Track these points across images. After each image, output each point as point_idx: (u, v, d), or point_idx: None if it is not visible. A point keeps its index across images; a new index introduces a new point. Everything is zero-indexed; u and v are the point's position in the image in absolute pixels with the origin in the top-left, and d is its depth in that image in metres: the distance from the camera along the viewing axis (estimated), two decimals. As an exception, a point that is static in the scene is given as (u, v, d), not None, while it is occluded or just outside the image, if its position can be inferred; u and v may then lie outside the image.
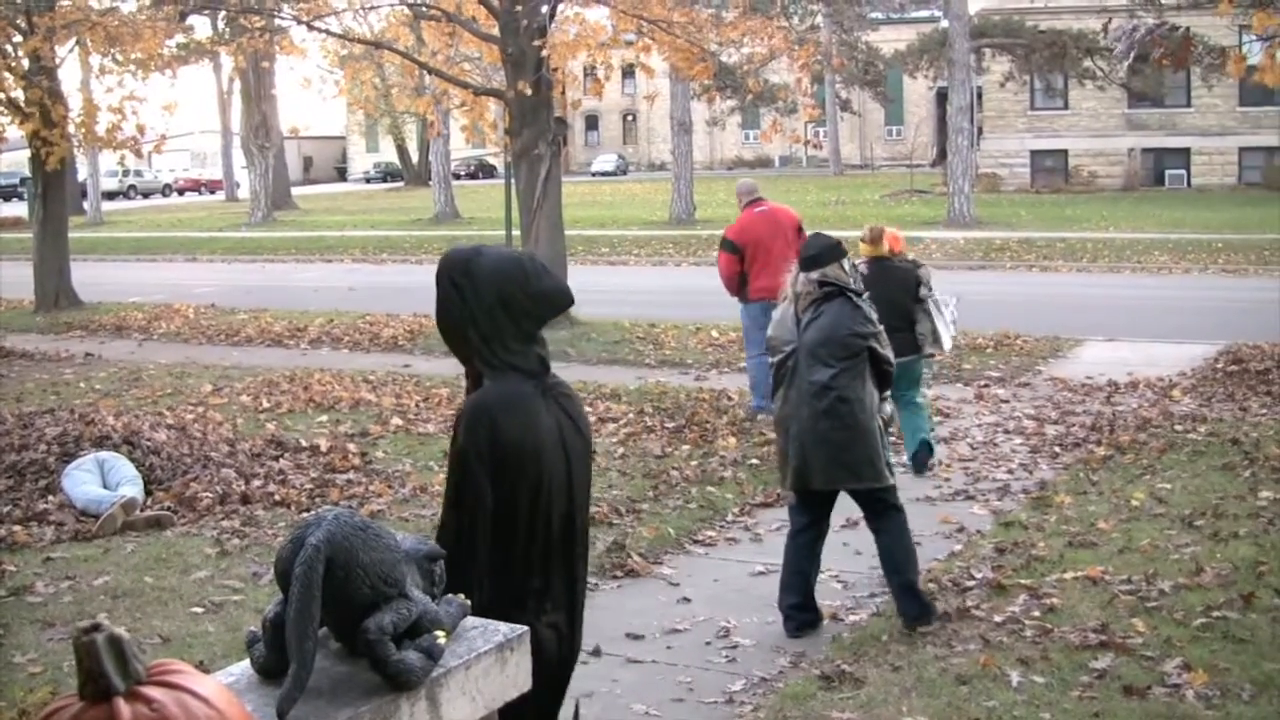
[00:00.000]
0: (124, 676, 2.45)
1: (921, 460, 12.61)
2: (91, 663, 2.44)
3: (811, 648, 8.31)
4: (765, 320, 11.13)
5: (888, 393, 8.81)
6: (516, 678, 4.62)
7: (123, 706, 2.39)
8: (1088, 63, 53.55)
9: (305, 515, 11.08)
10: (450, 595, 4.65)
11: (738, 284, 15.28)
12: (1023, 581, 9.23)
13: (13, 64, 25.31)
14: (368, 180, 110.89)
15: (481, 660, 4.50)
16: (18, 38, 25.71)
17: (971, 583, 9.23)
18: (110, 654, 2.44)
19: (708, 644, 8.43)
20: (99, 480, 11.49)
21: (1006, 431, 14.19)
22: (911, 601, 8.50)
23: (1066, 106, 63.28)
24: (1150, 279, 30.25)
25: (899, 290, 12.24)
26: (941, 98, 70.96)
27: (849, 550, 10.22)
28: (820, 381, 8.33)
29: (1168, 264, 32.01)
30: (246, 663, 4.53)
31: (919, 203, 55.25)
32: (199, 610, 9.01)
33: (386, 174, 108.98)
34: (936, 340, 12.58)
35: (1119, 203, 51.44)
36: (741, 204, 15.62)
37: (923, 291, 12.46)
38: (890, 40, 74.64)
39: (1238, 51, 24.29)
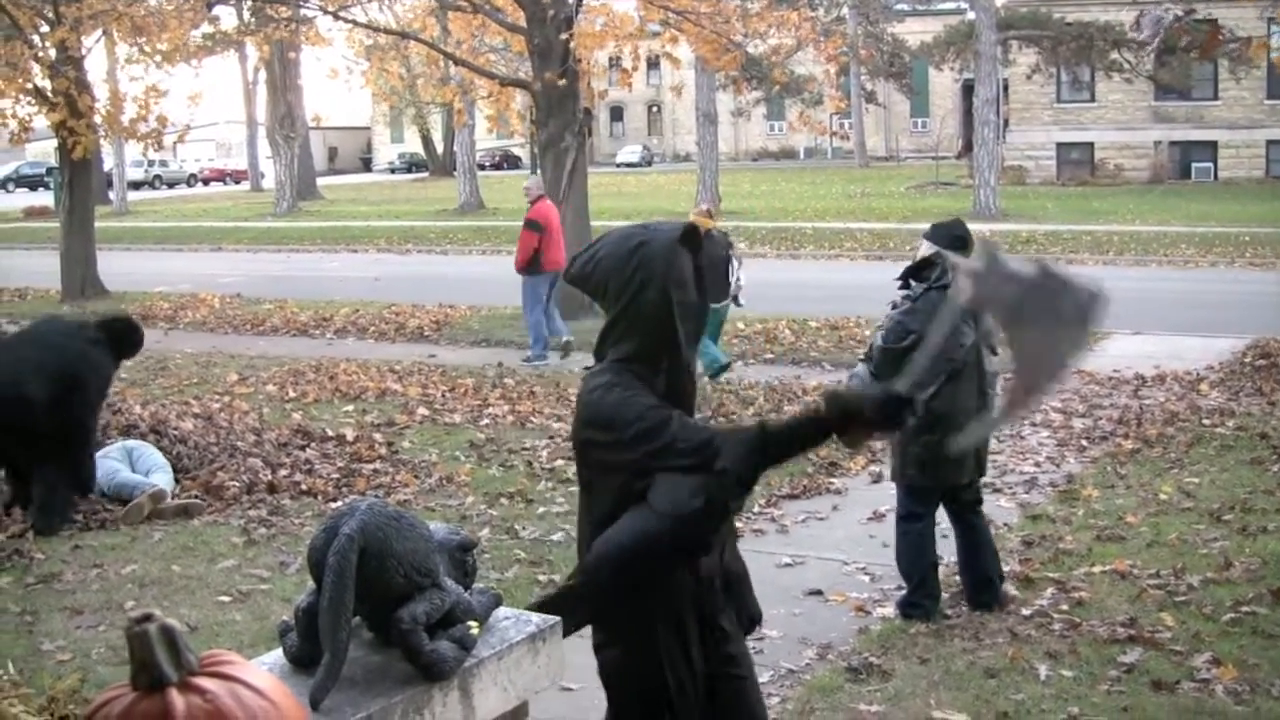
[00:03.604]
0: (177, 667, 2.44)
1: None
2: (144, 653, 2.43)
3: (839, 640, 8.29)
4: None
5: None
6: (549, 668, 4.63)
7: (176, 697, 2.38)
8: (1115, 55, 53.33)
9: (333, 505, 11.10)
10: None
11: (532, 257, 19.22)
12: (1050, 575, 9.22)
13: (40, 54, 25.37)
14: (392, 171, 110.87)
15: (514, 650, 4.50)
16: (45, 28, 25.79)
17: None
18: (163, 644, 2.43)
19: (734, 634, 8.42)
20: (128, 467, 11.52)
21: (1033, 424, 14.14)
22: (989, 591, 8.54)
23: (1093, 99, 63.04)
24: (1177, 272, 30.15)
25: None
26: (967, 90, 70.76)
27: (875, 543, 10.21)
28: (994, 372, 8.37)
29: (1194, 257, 31.90)
30: (279, 652, 4.54)
31: (944, 195, 55.11)
32: (226, 599, 9.02)
33: (411, 164, 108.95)
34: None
35: (1145, 196, 51.24)
36: (532, 198, 19.91)
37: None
38: (916, 32, 74.44)
39: (1260, 39, 24.16)
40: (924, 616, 8.48)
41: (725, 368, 17.01)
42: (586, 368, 4.58)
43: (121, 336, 11.22)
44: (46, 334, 11.50)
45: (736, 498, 4.48)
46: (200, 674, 2.45)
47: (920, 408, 4.52)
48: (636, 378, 4.43)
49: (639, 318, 4.44)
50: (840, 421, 4.26)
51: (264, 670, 2.48)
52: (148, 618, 2.43)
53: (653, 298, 4.41)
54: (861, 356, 9.07)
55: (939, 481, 8.52)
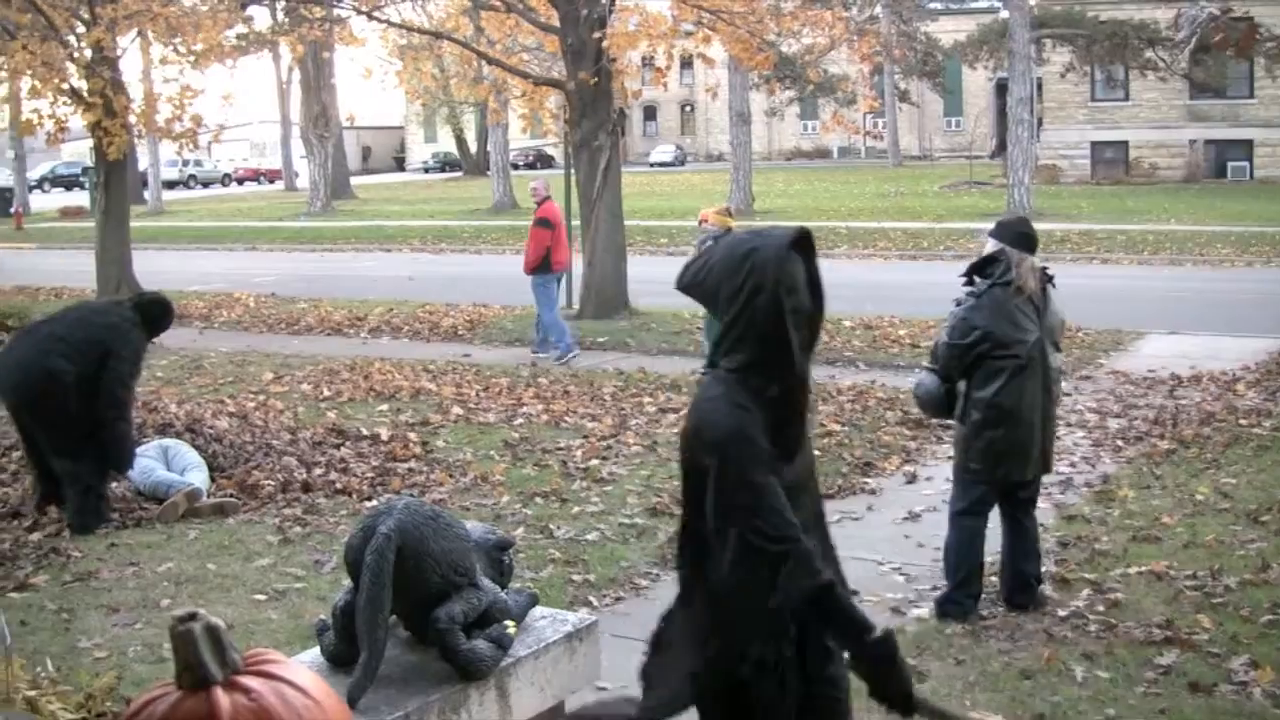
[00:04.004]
0: (221, 665, 2.44)
1: None
2: (188, 652, 2.43)
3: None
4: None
5: None
6: (585, 668, 4.63)
7: (221, 696, 2.38)
8: (1149, 53, 53.11)
9: (368, 504, 11.12)
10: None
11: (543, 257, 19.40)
12: (1086, 576, 9.19)
13: (76, 55, 25.45)
14: (426, 170, 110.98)
15: (550, 650, 4.51)
16: (81, 28, 25.86)
17: (1034, 576, 9.17)
18: (207, 643, 2.43)
19: (768, 635, 8.39)
20: (163, 466, 11.56)
21: (1068, 425, 14.07)
22: (1029, 592, 8.52)
23: (1127, 98, 62.75)
24: (1212, 272, 29.99)
25: None
26: (1001, 89, 70.56)
27: (910, 543, 10.19)
28: (1059, 368, 8.38)
29: (1230, 256, 31.70)
30: (315, 650, 4.55)
31: (978, 194, 54.95)
32: (261, 597, 9.05)
33: (445, 164, 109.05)
34: None
35: (1180, 195, 50.99)
36: (539, 197, 20.06)
37: None
38: (949, 31, 74.27)
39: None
40: (962, 616, 8.46)
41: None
42: (702, 372, 4.50)
43: (153, 313, 11.30)
44: (76, 312, 11.62)
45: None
46: (245, 673, 2.45)
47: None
48: (750, 390, 4.32)
49: (751, 325, 4.33)
50: (871, 666, 4.26)
51: (307, 669, 2.47)
52: (192, 616, 2.44)
53: (765, 304, 4.30)
54: (927, 364, 9.05)
55: (1003, 477, 8.50)
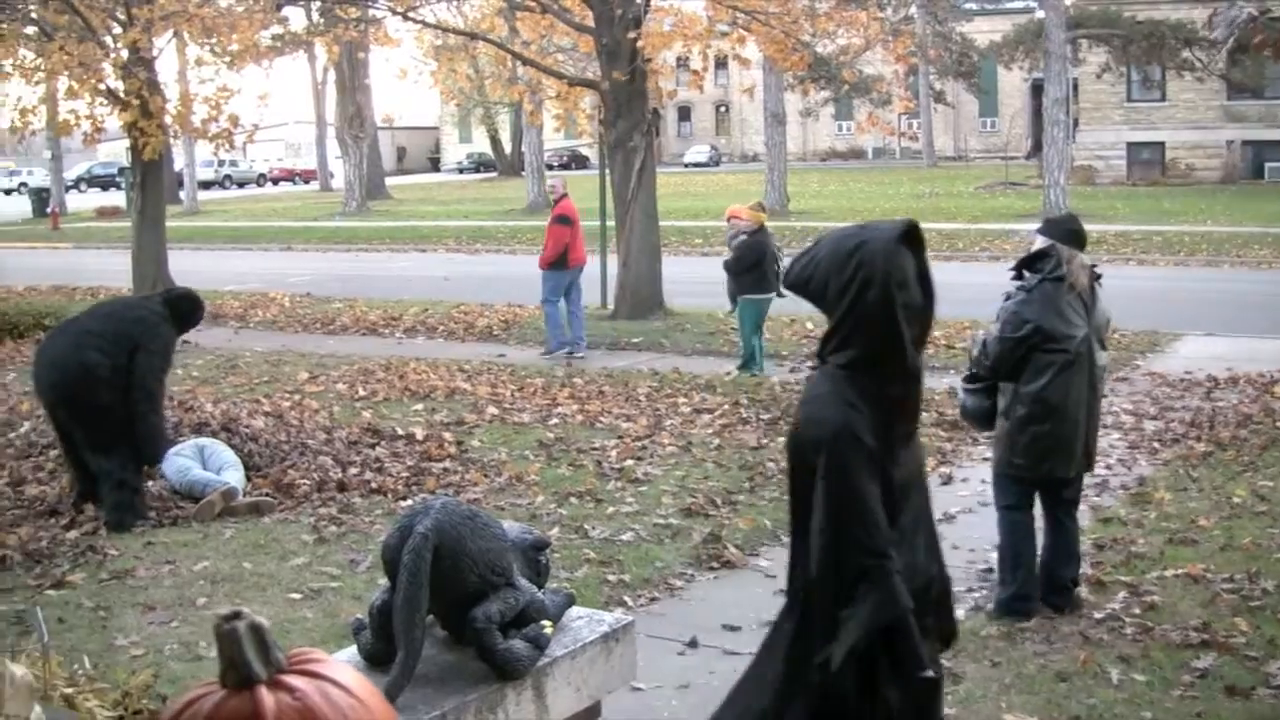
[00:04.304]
0: (266, 664, 2.44)
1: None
2: (233, 651, 2.44)
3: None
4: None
5: None
6: (621, 668, 4.63)
7: (265, 695, 2.38)
8: (1186, 54, 52.92)
9: (403, 503, 11.14)
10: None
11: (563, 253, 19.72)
12: (1122, 578, 9.15)
13: (112, 55, 25.54)
14: (460, 170, 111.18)
15: (587, 650, 4.51)
16: (117, 29, 25.96)
17: (1071, 578, 9.14)
18: (252, 642, 2.44)
19: (804, 637, 8.37)
20: (199, 465, 11.60)
21: (1104, 426, 13.98)
22: (1065, 594, 8.51)
23: (1164, 98, 62.55)
24: (1250, 273, 29.87)
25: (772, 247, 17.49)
26: (1036, 89, 70.42)
27: (946, 544, 10.08)
28: (1104, 366, 8.38)
29: (1268, 258, 31.56)
30: (352, 649, 4.56)
31: (1013, 195, 54.82)
32: (297, 596, 9.07)
33: (479, 164, 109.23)
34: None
35: (1217, 196, 50.78)
36: (557, 195, 20.58)
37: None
38: (985, 31, 74.18)
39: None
40: (1028, 615, 8.45)
41: (752, 364, 17.54)
42: (811, 367, 4.45)
43: (182, 308, 11.40)
44: (107, 307, 11.71)
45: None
46: (289, 672, 2.45)
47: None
48: (859, 388, 4.28)
49: (861, 321, 4.28)
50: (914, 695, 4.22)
51: (351, 668, 2.48)
52: (237, 615, 2.44)
53: (875, 299, 4.25)
54: (963, 383, 9.01)
55: (1046, 473, 8.48)
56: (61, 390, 10.83)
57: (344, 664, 2.59)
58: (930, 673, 4.17)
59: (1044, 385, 8.24)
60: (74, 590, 9.26)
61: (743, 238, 17.19)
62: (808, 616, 4.34)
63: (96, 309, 11.83)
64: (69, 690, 5.99)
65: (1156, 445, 13.30)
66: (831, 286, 4.34)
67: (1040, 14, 53.17)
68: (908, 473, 4.34)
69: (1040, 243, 8.54)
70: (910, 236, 4.35)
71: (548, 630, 4.46)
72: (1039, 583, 8.64)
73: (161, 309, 11.21)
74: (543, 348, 20.13)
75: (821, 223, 42.99)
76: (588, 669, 4.58)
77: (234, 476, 11.52)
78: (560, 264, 19.72)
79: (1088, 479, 11.75)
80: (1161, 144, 62.54)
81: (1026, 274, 8.46)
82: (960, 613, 8.69)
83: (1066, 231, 8.57)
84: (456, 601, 4.31)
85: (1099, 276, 8.58)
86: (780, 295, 17.08)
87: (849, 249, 4.32)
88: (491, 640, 4.27)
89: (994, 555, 9.01)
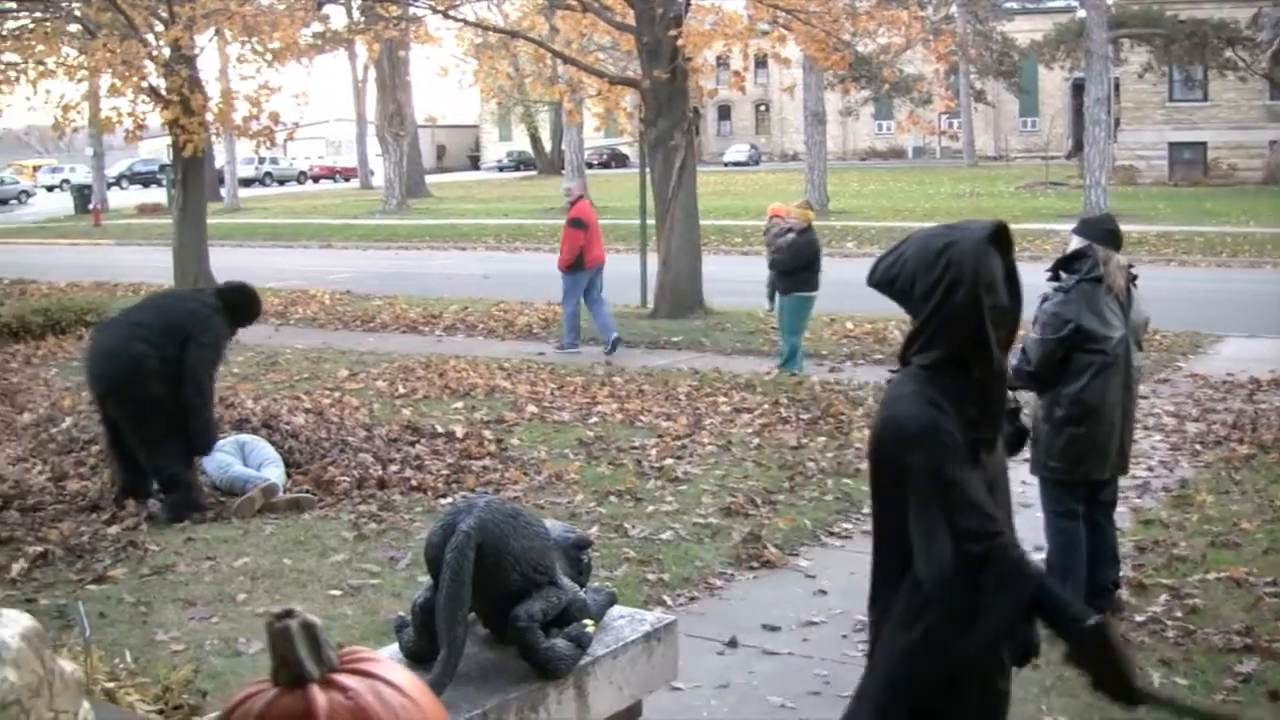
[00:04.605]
0: (318, 663, 2.44)
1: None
2: (285, 649, 2.44)
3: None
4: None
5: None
6: (663, 667, 4.63)
7: (318, 694, 2.38)
8: (1229, 53, 52.68)
9: (443, 501, 11.16)
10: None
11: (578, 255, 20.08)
12: (1164, 581, 9.10)
13: (154, 53, 25.66)
14: (500, 169, 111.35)
15: (629, 650, 4.50)
16: (159, 27, 26.09)
17: (1112, 581, 9.10)
18: (304, 640, 2.44)
19: (844, 637, 8.36)
20: (240, 461, 11.64)
21: (1146, 428, 13.95)
22: (1106, 597, 8.47)
23: (1206, 98, 62.29)
24: (1293, 275, 29.71)
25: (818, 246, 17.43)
26: (1077, 89, 70.16)
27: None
28: (1140, 368, 8.35)
29: (1311, 259, 31.42)
30: (393, 647, 4.57)
31: (1054, 195, 54.64)
32: (337, 593, 9.09)
33: (519, 162, 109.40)
34: None
35: (1260, 196, 50.52)
36: (573, 197, 20.76)
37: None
38: (1025, 30, 73.95)
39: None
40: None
41: (792, 362, 17.63)
42: (892, 371, 4.38)
43: (238, 302, 11.41)
44: (157, 299, 11.78)
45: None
46: (341, 671, 2.45)
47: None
48: (943, 389, 4.20)
49: (947, 323, 4.20)
50: (1086, 654, 4.04)
51: (402, 667, 2.48)
52: (289, 614, 2.44)
53: (962, 301, 4.16)
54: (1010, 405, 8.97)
55: (1083, 475, 8.44)
56: (110, 381, 10.90)
57: (396, 663, 2.59)
58: (1092, 620, 4.08)
59: (1082, 387, 8.21)
60: (115, 585, 9.30)
61: (792, 236, 17.17)
62: (908, 615, 4.28)
63: (148, 301, 11.91)
64: (110, 685, 6.02)
65: (1198, 447, 13.23)
66: (918, 286, 4.26)
67: (1082, 13, 52.93)
68: (991, 476, 4.28)
69: (1076, 243, 8.49)
70: (999, 237, 4.30)
71: (590, 629, 4.46)
72: (1084, 593, 8.60)
73: (214, 301, 11.25)
74: (606, 347, 20.25)
75: (861, 222, 43.02)
76: (629, 668, 4.58)
77: (274, 473, 11.55)
78: (578, 266, 20.04)
79: (1129, 481, 11.71)
80: (1203, 144, 62.28)
81: (1063, 275, 8.42)
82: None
83: (1103, 231, 8.52)
84: (499, 600, 4.31)
85: (1135, 277, 8.54)
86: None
87: (937, 249, 4.24)
88: (534, 639, 4.27)
89: (1038, 556, 8.97)
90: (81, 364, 11.88)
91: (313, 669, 2.42)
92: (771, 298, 17.69)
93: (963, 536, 4.00)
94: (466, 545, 4.16)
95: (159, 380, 10.70)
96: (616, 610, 4.67)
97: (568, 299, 20.36)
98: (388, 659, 2.46)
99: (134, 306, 11.89)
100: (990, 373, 4.23)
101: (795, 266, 17.13)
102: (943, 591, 4.09)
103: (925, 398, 4.15)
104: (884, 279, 4.38)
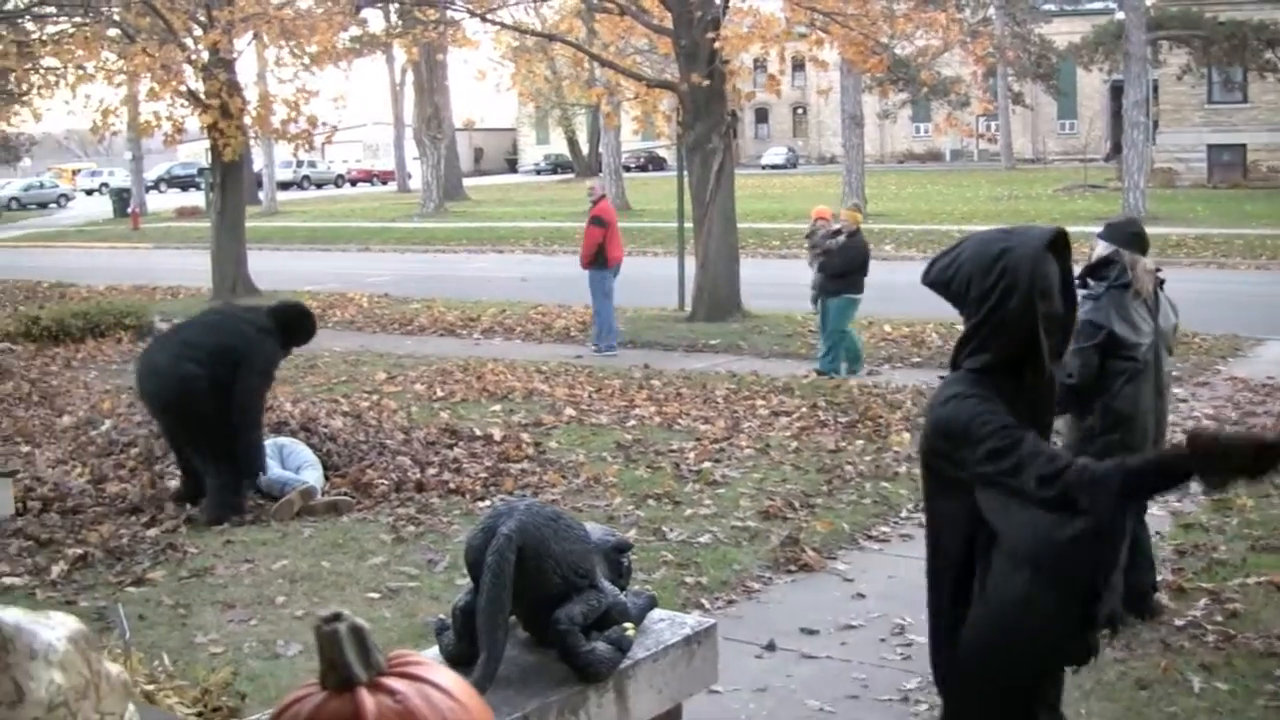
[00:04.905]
0: (366, 667, 2.46)
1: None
2: (334, 652, 2.45)
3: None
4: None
5: None
6: (703, 671, 4.63)
7: (366, 697, 2.40)
8: (1269, 55, 52.42)
9: (481, 504, 11.18)
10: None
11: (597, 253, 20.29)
12: (1204, 585, 9.06)
13: (193, 57, 25.80)
14: (538, 172, 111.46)
15: (669, 653, 4.51)
16: (198, 31, 26.22)
17: (1151, 585, 9.06)
18: (352, 644, 2.46)
19: (882, 640, 8.36)
20: (278, 464, 11.67)
21: (1185, 431, 13.84)
22: (1144, 601, 8.43)
23: (1245, 100, 62.00)
24: (1333, 277, 29.55)
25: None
26: (1116, 91, 69.88)
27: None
28: (1170, 373, 8.32)
29: (1352, 262, 31.25)
30: (434, 649, 4.58)
31: (1092, 198, 54.41)
32: (375, 595, 9.11)
33: (556, 165, 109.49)
34: None
35: (1300, 199, 50.29)
36: (595, 197, 20.84)
37: None
38: (1064, 32, 73.67)
39: None
40: (1113, 631, 8.38)
41: (836, 361, 17.79)
42: (941, 376, 4.36)
43: (291, 323, 11.39)
44: (208, 317, 11.81)
45: (1098, 540, 4.21)
46: (389, 674, 2.47)
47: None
48: (993, 390, 4.22)
49: (1000, 328, 4.22)
50: (1203, 463, 3.92)
51: (450, 671, 2.49)
52: (337, 617, 2.46)
53: (1016, 307, 4.18)
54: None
55: None
56: (160, 400, 11.00)
57: (443, 667, 2.60)
58: (1183, 448, 4.01)
59: (1113, 396, 8.17)
60: (154, 588, 9.35)
61: (842, 238, 17.26)
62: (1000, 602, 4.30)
63: (201, 318, 11.93)
64: (149, 687, 6.05)
65: (1238, 451, 13.12)
66: (973, 290, 4.28)
67: (1120, 15, 52.79)
68: None
69: (1102, 248, 8.44)
70: (1057, 244, 4.29)
71: (630, 633, 4.46)
72: (1120, 598, 8.56)
73: (267, 322, 11.23)
74: (594, 345, 20.45)
75: (900, 225, 42.91)
76: (669, 671, 4.58)
77: (313, 476, 11.58)
78: (601, 263, 20.21)
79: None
80: (1243, 146, 61.97)
81: (1091, 282, 8.36)
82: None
83: (1128, 235, 8.46)
84: (539, 603, 4.32)
85: (1163, 281, 8.50)
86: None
87: (994, 254, 4.25)
88: (574, 642, 4.28)
89: None
90: (133, 379, 11.92)
91: (361, 672, 2.43)
92: (816, 300, 17.71)
93: (1037, 486, 3.99)
94: (508, 548, 4.17)
95: (208, 399, 10.73)
96: (656, 614, 4.68)
97: (597, 298, 20.47)
98: (435, 662, 2.47)
99: (186, 323, 11.93)
100: (1041, 379, 4.24)
101: (845, 269, 17.18)
102: (1051, 551, 4.09)
103: (974, 395, 4.15)
104: (939, 279, 4.39)
